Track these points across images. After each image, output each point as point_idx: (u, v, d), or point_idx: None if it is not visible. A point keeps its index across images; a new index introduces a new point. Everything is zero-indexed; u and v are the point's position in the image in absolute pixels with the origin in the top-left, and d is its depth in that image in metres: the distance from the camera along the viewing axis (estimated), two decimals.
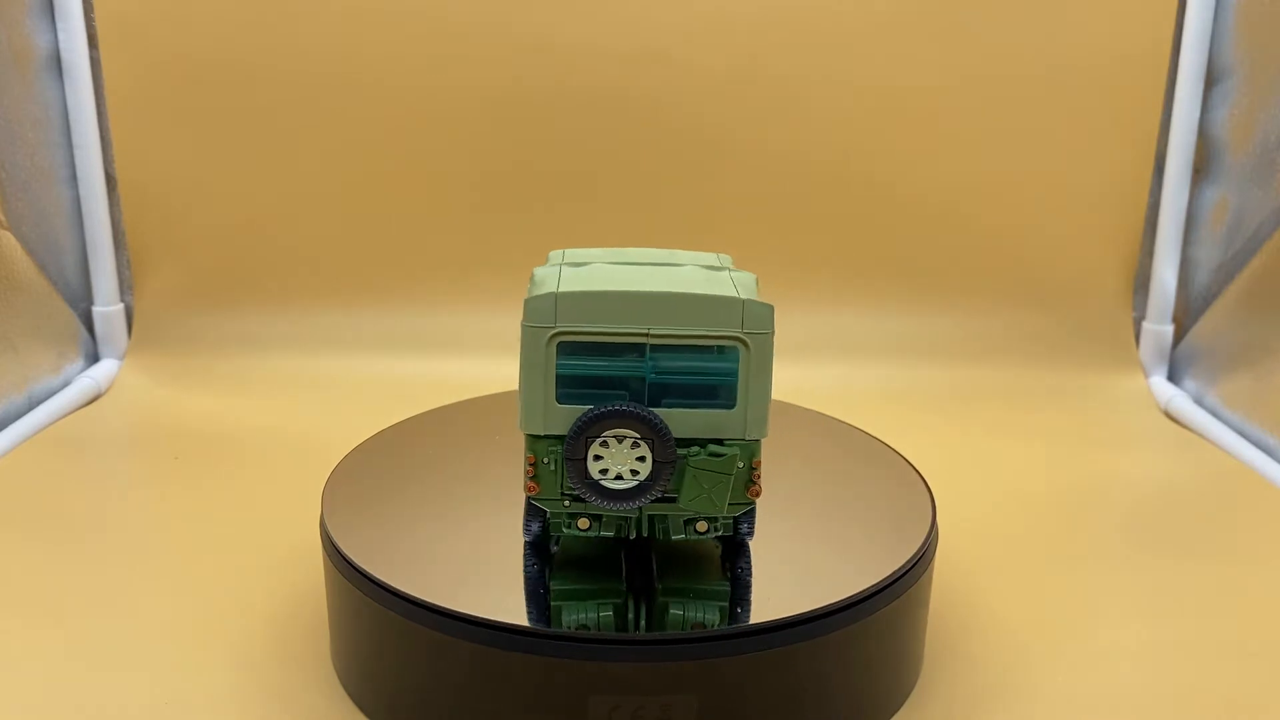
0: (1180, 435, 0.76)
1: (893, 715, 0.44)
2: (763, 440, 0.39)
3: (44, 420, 0.74)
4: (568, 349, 0.38)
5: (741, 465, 0.38)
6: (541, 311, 0.38)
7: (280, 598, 0.52)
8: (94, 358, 0.83)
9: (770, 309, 0.37)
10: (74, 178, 0.81)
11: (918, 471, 0.51)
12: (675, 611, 0.39)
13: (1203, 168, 0.82)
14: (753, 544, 0.45)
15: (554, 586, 0.41)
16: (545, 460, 0.39)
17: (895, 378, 0.82)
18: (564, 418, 0.38)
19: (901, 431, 0.63)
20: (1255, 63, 0.77)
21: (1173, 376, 0.85)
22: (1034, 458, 0.71)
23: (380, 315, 0.84)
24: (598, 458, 0.38)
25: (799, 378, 0.78)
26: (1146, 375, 0.84)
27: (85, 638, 0.49)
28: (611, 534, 0.40)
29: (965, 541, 0.58)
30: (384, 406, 0.65)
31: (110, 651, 0.48)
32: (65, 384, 0.79)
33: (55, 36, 0.78)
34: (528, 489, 0.39)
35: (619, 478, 0.38)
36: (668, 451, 0.38)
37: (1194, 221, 0.83)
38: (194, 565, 0.55)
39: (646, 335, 0.38)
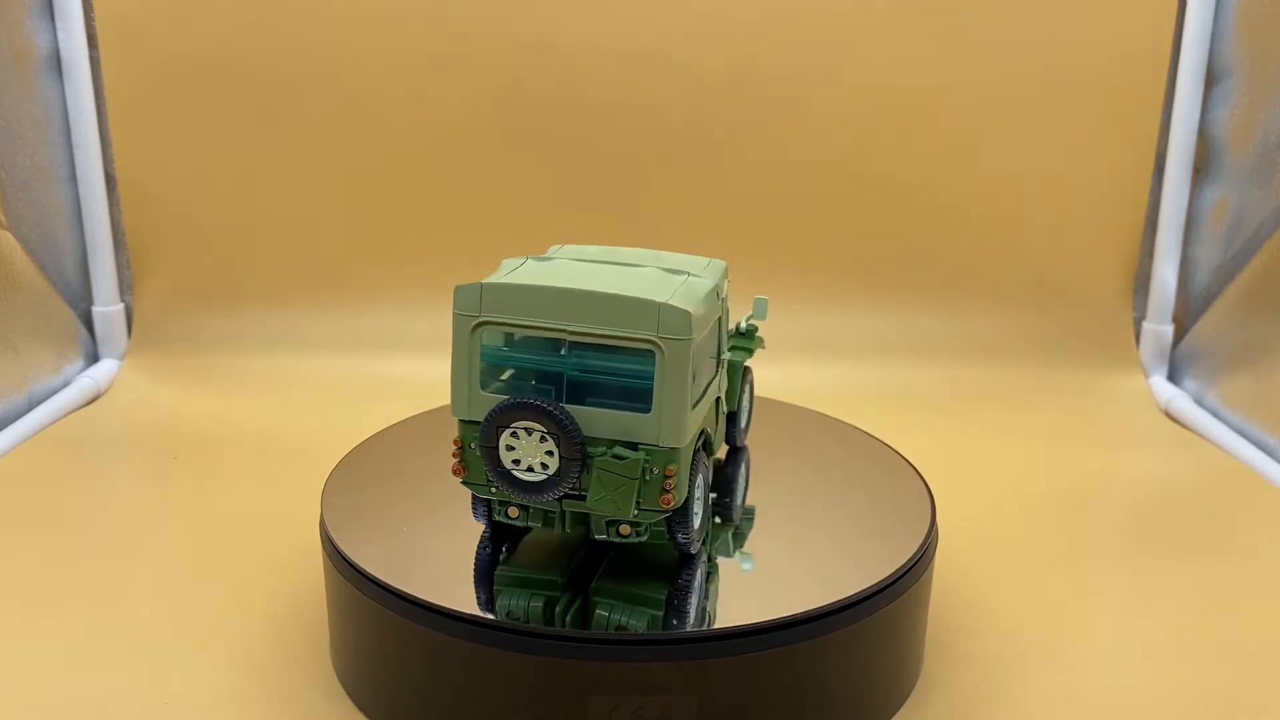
0: (1180, 435, 0.76)
1: (893, 715, 0.44)
2: (682, 448, 0.38)
3: (44, 420, 0.74)
4: (491, 338, 0.39)
5: (655, 472, 0.38)
6: (468, 300, 0.38)
7: (280, 598, 0.52)
8: (94, 358, 0.83)
9: (687, 316, 0.36)
10: (74, 178, 0.81)
11: (918, 471, 0.51)
12: (601, 613, 0.39)
13: (1203, 168, 0.82)
14: (753, 543, 0.45)
15: (498, 572, 0.42)
16: (471, 445, 0.39)
17: (895, 378, 0.82)
18: (486, 405, 0.38)
19: (901, 431, 0.63)
20: (1255, 63, 0.77)
21: (1173, 376, 0.85)
22: (1034, 457, 0.71)
23: (380, 315, 0.84)
24: (510, 448, 0.38)
25: (799, 378, 0.78)
26: (1146, 375, 0.84)
27: (85, 637, 0.49)
28: (539, 525, 0.40)
29: (965, 541, 0.58)
30: (384, 406, 0.65)
31: (110, 651, 0.48)
32: (65, 384, 0.79)
33: (55, 36, 0.78)
34: (454, 470, 0.40)
35: (530, 470, 0.38)
36: (572, 449, 0.37)
37: (1194, 221, 0.83)
38: (194, 565, 0.55)
39: (564, 331, 0.38)
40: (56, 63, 0.78)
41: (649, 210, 0.83)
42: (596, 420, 0.38)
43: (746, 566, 0.43)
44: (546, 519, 0.40)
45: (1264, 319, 0.75)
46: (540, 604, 0.39)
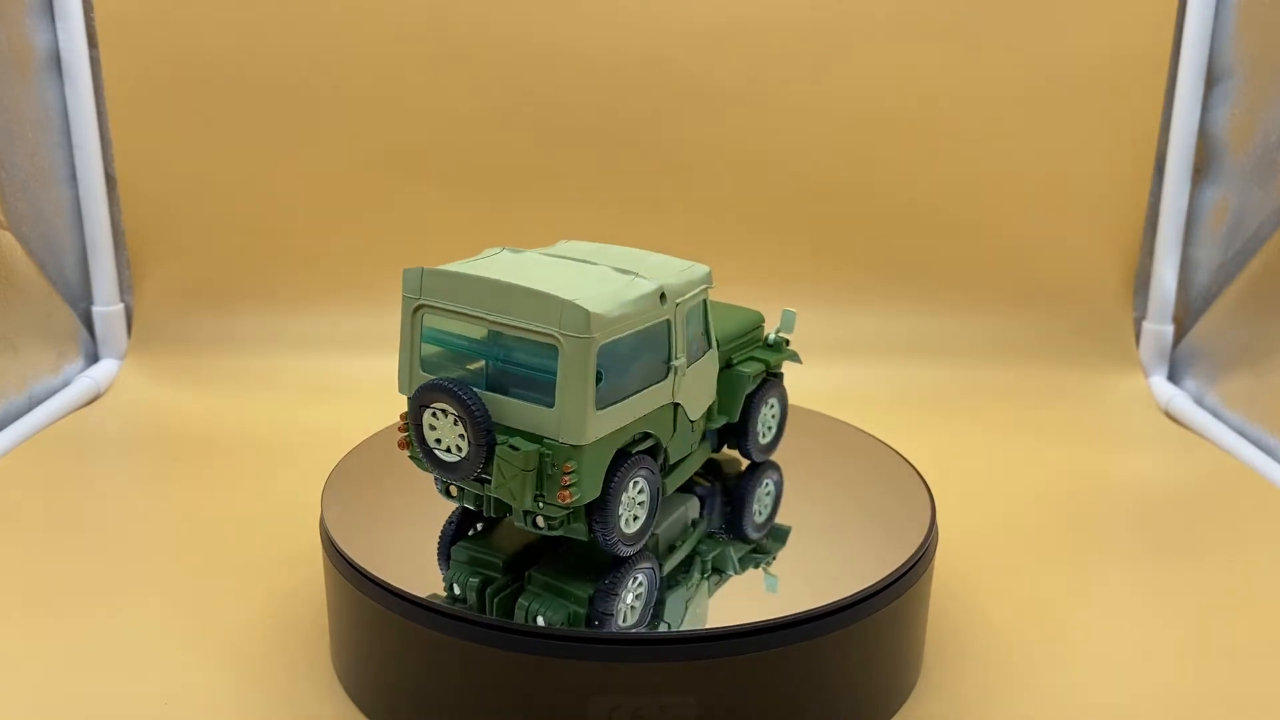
0: (1180, 435, 0.76)
1: (893, 715, 0.44)
2: (583, 445, 0.37)
3: (44, 420, 0.74)
4: (429, 321, 0.40)
5: (555, 468, 0.38)
6: (411, 284, 0.40)
7: (280, 598, 0.52)
8: (94, 358, 0.83)
9: (586, 314, 0.36)
10: (74, 178, 0.81)
11: (917, 471, 0.51)
12: (522, 601, 0.40)
13: (1203, 168, 0.82)
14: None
15: (455, 547, 0.43)
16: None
17: (895, 378, 0.82)
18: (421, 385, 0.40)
19: (901, 431, 0.63)
20: (1255, 63, 0.77)
21: (1173, 376, 0.84)
22: (1034, 457, 0.71)
23: (380, 315, 0.84)
24: (431, 427, 0.39)
25: (798, 378, 0.78)
26: (1146, 375, 0.84)
27: (85, 637, 0.49)
28: (472, 505, 0.41)
29: (965, 541, 0.58)
30: (384, 406, 0.65)
31: (110, 651, 0.48)
32: (65, 384, 0.79)
33: (55, 36, 0.78)
34: (400, 444, 0.41)
35: (449, 450, 0.39)
36: (478, 434, 0.38)
37: (1194, 221, 0.83)
38: (194, 565, 0.55)
39: (483, 320, 0.39)
40: (56, 63, 0.78)
41: (651, 213, 0.83)
42: (510, 410, 0.38)
43: (746, 567, 0.43)
44: (477, 500, 0.41)
45: (1264, 319, 0.75)
46: (477, 582, 0.40)
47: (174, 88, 0.80)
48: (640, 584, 0.41)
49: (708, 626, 0.39)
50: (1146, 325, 0.85)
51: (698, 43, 0.81)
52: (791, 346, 0.52)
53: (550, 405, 0.38)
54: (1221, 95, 0.80)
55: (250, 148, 0.82)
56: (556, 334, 0.37)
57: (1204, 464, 0.71)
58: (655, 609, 0.40)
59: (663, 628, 0.39)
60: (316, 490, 0.49)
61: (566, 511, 0.39)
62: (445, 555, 0.43)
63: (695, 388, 0.43)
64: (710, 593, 0.41)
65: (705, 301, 0.44)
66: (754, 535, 0.46)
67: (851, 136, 0.82)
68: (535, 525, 0.40)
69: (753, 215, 0.84)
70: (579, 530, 0.40)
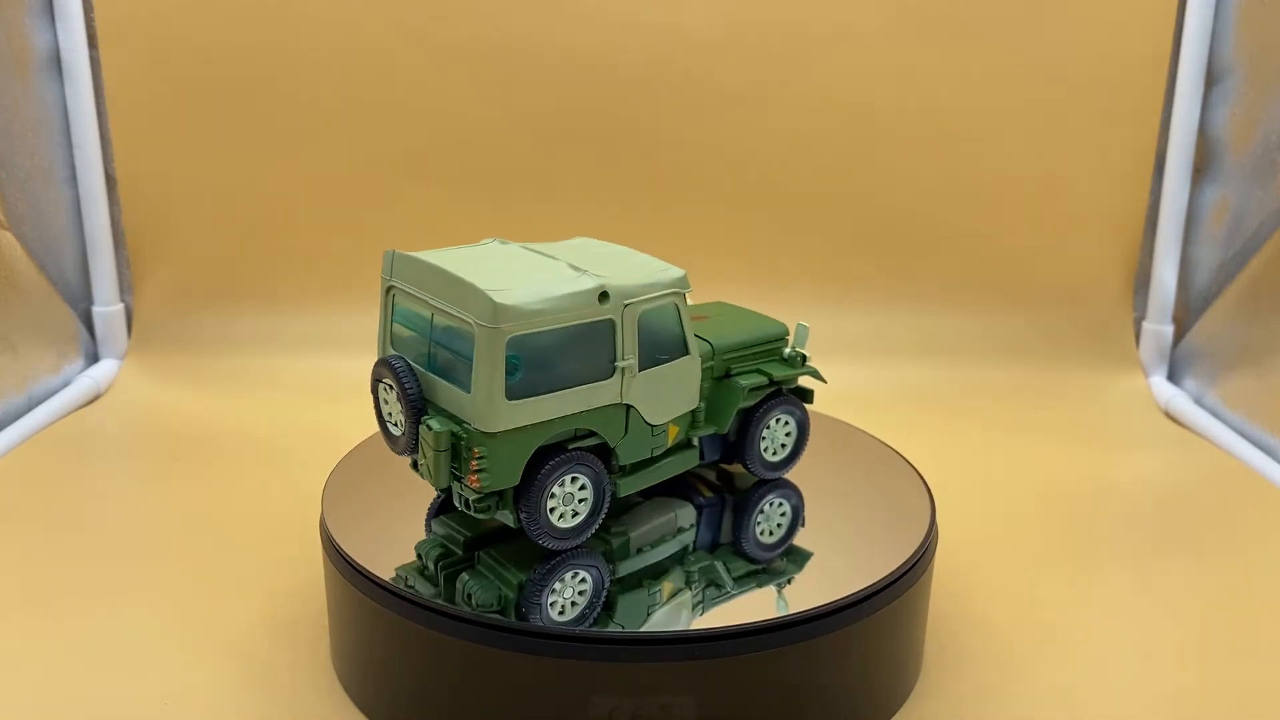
0: (1180, 435, 0.76)
1: (893, 715, 0.44)
2: (493, 433, 0.38)
3: (44, 420, 0.74)
4: (399, 301, 0.42)
5: (466, 453, 0.39)
6: (385, 265, 0.42)
7: (280, 598, 0.52)
8: (94, 358, 0.83)
9: (493, 305, 0.37)
10: (74, 178, 0.81)
11: (917, 471, 0.51)
12: (463, 577, 0.41)
13: (1203, 168, 0.82)
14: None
15: (436, 519, 0.45)
16: None
17: (894, 378, 0.82)
18: None
19: (901, 431, 0.63)
20: (1255, 63, 0.77)
21: (1173, 376, 0.84)
22: (1034, 457, 0.71)
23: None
24: (385, 401, 0.42)
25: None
26: (1146, 375, 0.84)
27: (85, 637, 0.49)
28: (433, 485, 0.42)
29: (965, 541, 0.58)
30: None
31: (110, 651, 0.48)
32: (65, 384, 0.79)
33: (55, 36, 0.78)
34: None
35: (395, 424, 0.41)
36: (408, 411, 0.40)
37: (1194, 221, 0.83)
38: (194, 565, 0.55)
39: (425, 304, 0.40)
40: (56, 63, 0.78)
41: (652, 214, 0.83)
42: (442, 392, 0.40)
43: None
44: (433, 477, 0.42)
45: (1264, 319, 0.75)
46: (437, 554, 0.42)
47: (174, 88, 0.80)
48: (583, 581, 0.41)
49: (708, 627, 0.39)
50: (1146, 325, 0.85)
51: (699, 45, 0.81)
52: (812, 362, 0.49)
53: (468, 390, 0.39)
54: (1221, 95, 0.80)
55: (250, 148, 0.82)
56: (472, 321, 0.38)
57: (1204, 464, 0.71)
58: (608, 609, 0.40)
59: (612, 628, 0.39)
60: (316, 490, 0.49)
61: (477, 495, 0.40)
62: (429, 525, 0.45)
63: (657, 391, 0.43)
64: (697, 606, 0.40)
65: (677, 307, 0.43)
66: (758, 554, 0.44)
67: (851, 136, 0.82)
68: (466, 506, 0.40)
69: (753, 216, 0.84)
70: (508, 518, 0.41)
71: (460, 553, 0.43)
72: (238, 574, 0.54)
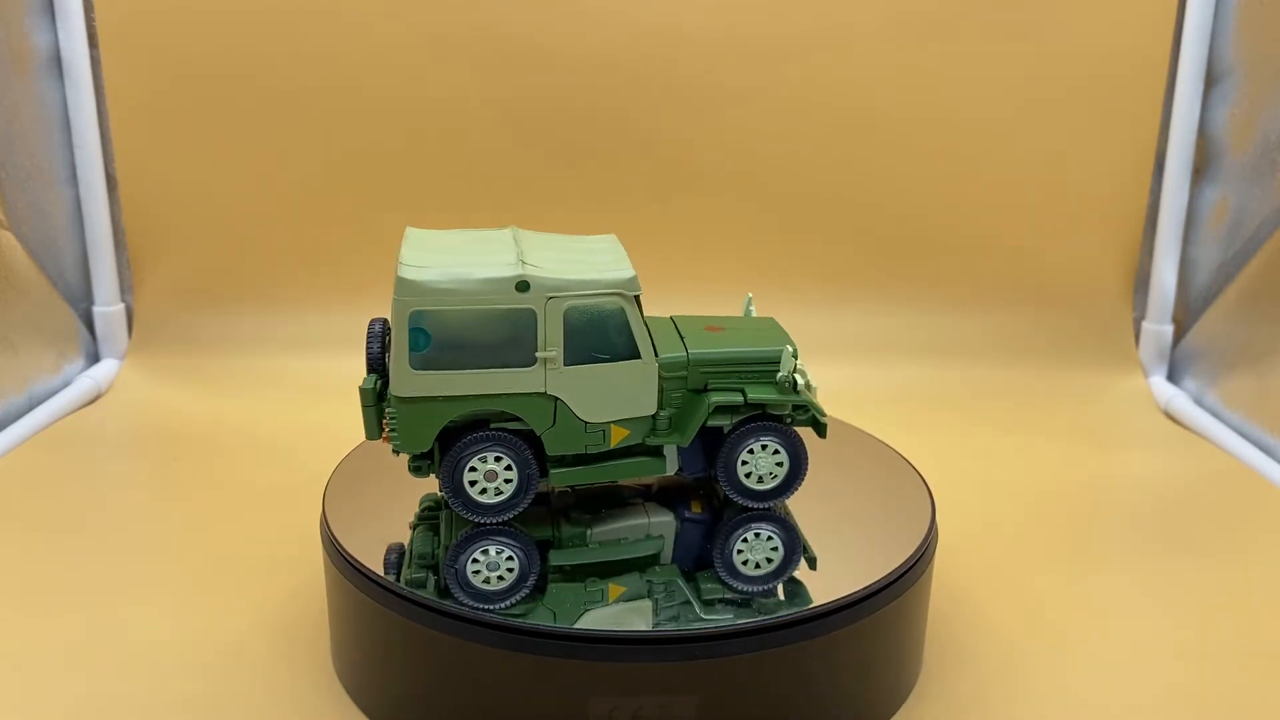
0: (1180, 435, 0.76)
1: (893, 715, 0.44)
2: (406, 400, 0.42)
3: (44, 420, 0.74)
4: None
5: (390, 413, 0.42)
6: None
7: (280, 598, 0.52)
8: (94, 357, 0.83)
9: (398, 279, 0.41)
10: (74, 178, 0.81)
11: (918, 471, 0.51)
12: (419, 528, 0.45)
13: (1203, 168, 0.82)
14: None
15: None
16: None
17: (894, 378, 0.82)
18: None
19: (901, 431, 0.63)
20: (1255, 63, 0.77)
21: (1173, 376, 0.85)
22: (1034, 457, 0.71)
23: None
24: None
25: None
26: (1146, 375, 0.84)
27: (85, 637, 0.49)
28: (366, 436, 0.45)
29: (965, 541, 0.58)
30: None
31: (110, 651, 0.48)
32: (65, 384, 0.79)
33: (55, 36, 0.78)
34: None
35: None
36: (367, 368, 0.45)
37: (1194, 221, 0.83)
38: (194, 565, 0.55)
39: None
40: (56, 63, 0.78)
41: (653, 214, 0.83)
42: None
43: (746, 568, 0.43)
44: None
45: (1264, 319, 0.75)
46: (418, 511, 0.47)
47: (174, 88, 0.80)
48: (509, 558, 0.42)
49: (708, 627, 0.39)
50: (1146, 325, 0.85)
51: (700, 45, 0.81)
52: (810, 393, 0.46)
53: None
54: (1221, 95, 0.80)
55: (251, 148, 0.82)
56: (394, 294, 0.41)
57: (1204, 464, 0.71)
58: (539, 592, 0.41)
59: (546, 616, 0.39)
60: (317, 490, 0.49)
61: (395, 452, 0.43)
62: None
63: (591, 389, 0.43)
64: (662, 617, 0.40)
65: (624, 309, 0.43)
66: (735, 583, 0.42)
67: (851, 136, 0.82)
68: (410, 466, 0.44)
69: (753, 215, 0.84)
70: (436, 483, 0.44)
71: (434, 510, 0.46)
72: (238, 574, 0.54)
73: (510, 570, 0.42)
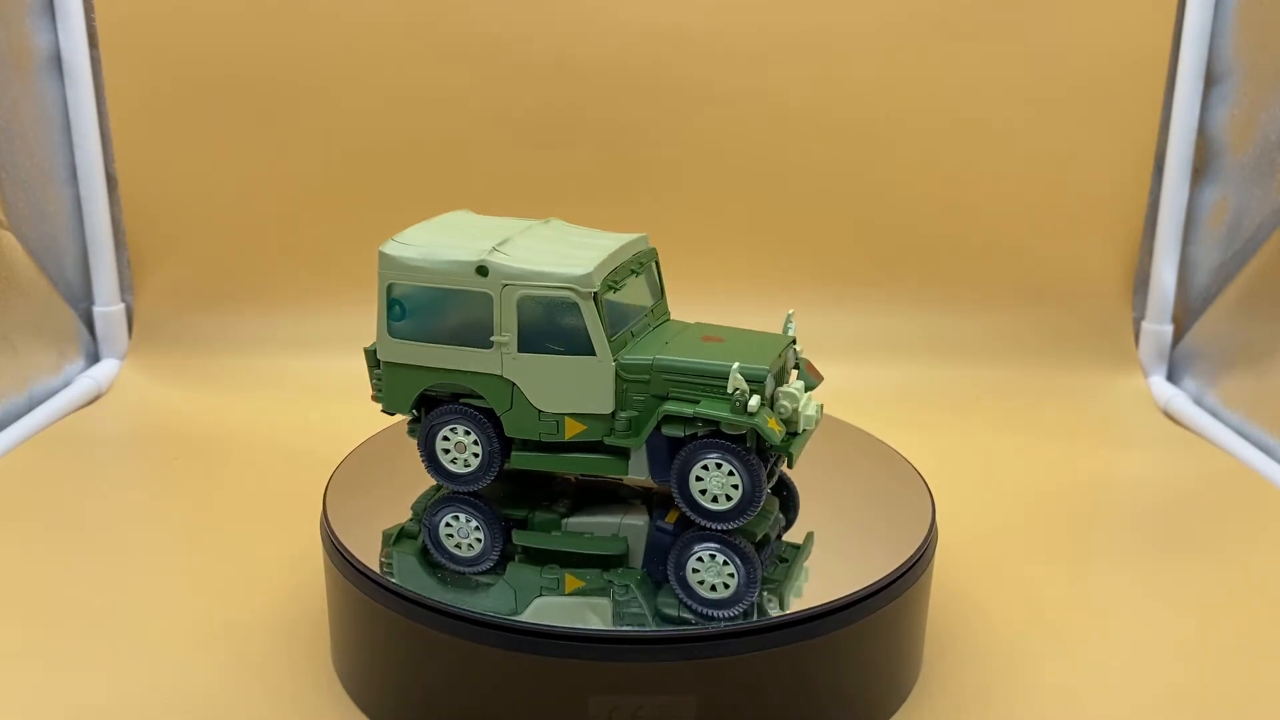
0: (1180, 435, 0.76)
1: (892, 715, 0.44)
2: (387, 363, 0.47)
3: (44, 420, 0.74)
4: None
5: (376, 374, 0.47)
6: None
7: (280, 598, 0.52)
8: (94, 357, 0.83)
9: (381, 255, 0.45)
10: (74, 178, 0.81)
11: (918, 471, 0.51)
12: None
13: (1202, 168, 0.82)
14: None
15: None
16: None
17: (894, 377, 0.82)
18: None
19: (901, 431, 0.63)
20: (1255, 63, 0.77)
21: (1172, 376, 0.85)
22: (1033, 457, 0.71)
23: None
24: None
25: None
26: (1146, 375, 0.84)
27: (85, 637, 0.49)
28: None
29: (965, 541, 0.58)
30: None
31: (110, 651, 0.48)
32: (66, 384, 0.79)
33: (55, 36, 0.78)
34: None
35: None
36: None
37: (1194, 221, 0.83)
38: (194, 565, 0.55)
39: None
40: (56, 63, 0.78)
41: (653, 214, 0.83)
42: None
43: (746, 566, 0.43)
44: None
45: (1264, 319, 0.75)
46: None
47: (174, 88, 0.80)
48: (476, 528, 0.45)
49: (708, 627, 0.39)
50: (1146, 325, 0.85)
51: (699, 46, 0.81)
52: (772, 424, 0.42)
53: None
54: (1220, 95, 0.80)
55: (251, 148, 0.82)
56: None
57: (1203, 464, 0.71)
58: (500, 568, 0.43)
59: (500, 594, 0.40)
60: (317, 490, 0.49)
61: (384, 411, 0.47)
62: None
63: (545, 379, 0.44)
64: (619, 616, 0.40)
65: (578, 304, 0.43)
66: (686, 599, 0.41)
67: (850, 136, 0.82)
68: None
69: (753, 215, 0.84)
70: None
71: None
72: (238, 574, 0.54)
73: (479, 540, 0.44)
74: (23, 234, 0.76)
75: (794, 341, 0.47)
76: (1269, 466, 0.69)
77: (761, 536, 0.45)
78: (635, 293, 0.47)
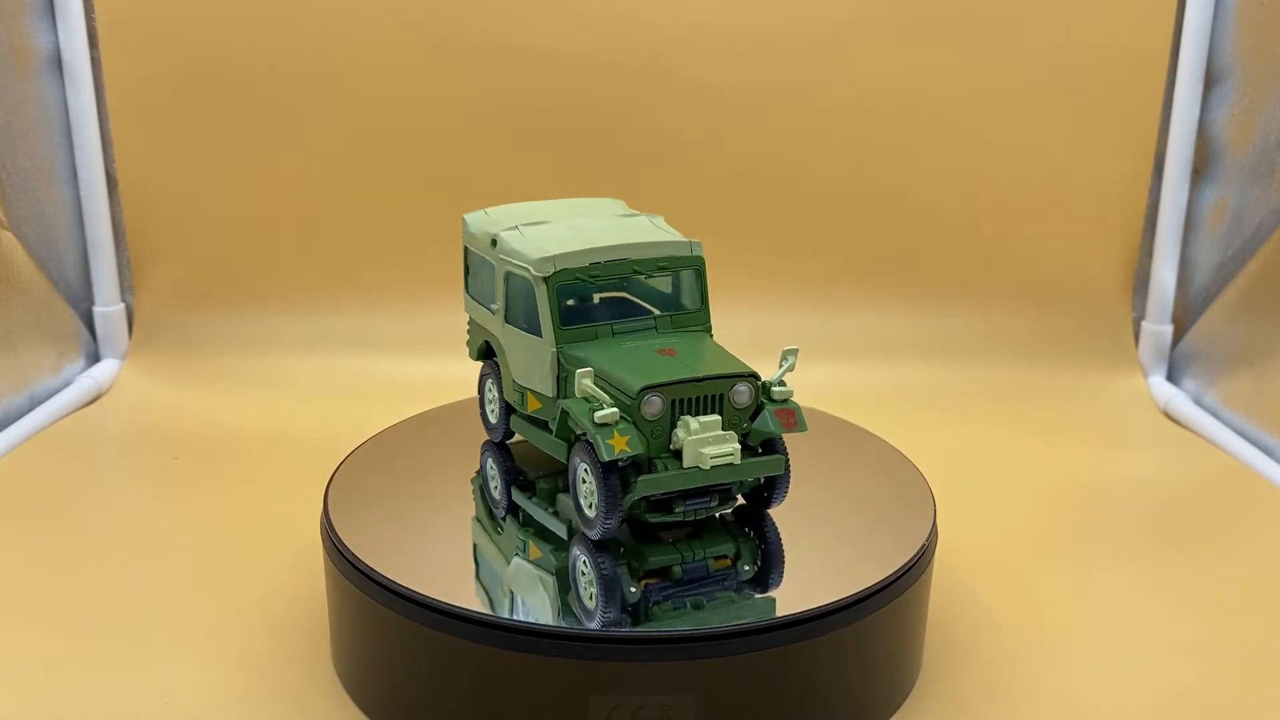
0: (1180, 435, 0.76)
1: (892, 715, 0.44)
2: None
3: (44, 420, 0.74)
4: None
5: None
6: None
7: (281, 598, 0.52)
8: (94, 358, 0.83)
9: (463, 220, 0.51)
10: (74, 178, 0.81)
11: (918, 471, 0.52)
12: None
13: (1202, 168, 0.82)
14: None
15: None
16: None
17: (894, 377, 0.82)
18: None
19: (902, 431, 0.63)
20: (1255, 63, 0.77)
21: (1172, 376, 0.85)
22: (1033, 457, 0.71)
23: (382, 315, 0.84)
24: None
25: (799, 376, 0.78)
26: (1146, 375, 0.84)
27: (85, 638, 0.49)
28: None
29: (965, 540, 0.58)
30: (386, 406, 0.65)
31: (110, 651, 0.48)
32: (66, 384, 0.79)
33: (55, 36, 0.78)
34: None
35: None
36: None
37: (1194, 221, 0.83)
38: (194, 565, 0.55)
39: None
40: (56, 63, 0.78)
41: (649, 211, 0.83)
42: None
43: (747, 566, 0.43)
44: None
45: (1264, 319, 0.75)
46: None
47: (175, 88, 0.80)
48: (494, 479, 0.50)
49: (708, 627, 0.39)
50: (1145, 325, 0.85)
51: (699, 41, 0.81)
52: (617, 439, 0.40)
53: None
54: (1220, 95, 0.80)
55: (251, 147, 0.82)
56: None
57: (1203, 464, 0.71)
58: (501, 522, 0.47)
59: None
60: (318, 490, 0.49)
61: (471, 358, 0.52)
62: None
63: (516, 351, 0.47)
64: (567, 595, 0.41)
65: (533, 288, 0.44)
66: (576, 608, 0.40)
67: (849, 136, 0.82)
68: None
69: (753, 214, 0.84)
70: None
71: None
72: (239, 574, 0.54)
73: (495, 488, 0.50)
74: (23, 234, 0.76)
75: (756, 377, 0.43)
76: (1268, 466, 0.69)
77: (663, 568, 0.42)
78: (646, 293, 0.48)
